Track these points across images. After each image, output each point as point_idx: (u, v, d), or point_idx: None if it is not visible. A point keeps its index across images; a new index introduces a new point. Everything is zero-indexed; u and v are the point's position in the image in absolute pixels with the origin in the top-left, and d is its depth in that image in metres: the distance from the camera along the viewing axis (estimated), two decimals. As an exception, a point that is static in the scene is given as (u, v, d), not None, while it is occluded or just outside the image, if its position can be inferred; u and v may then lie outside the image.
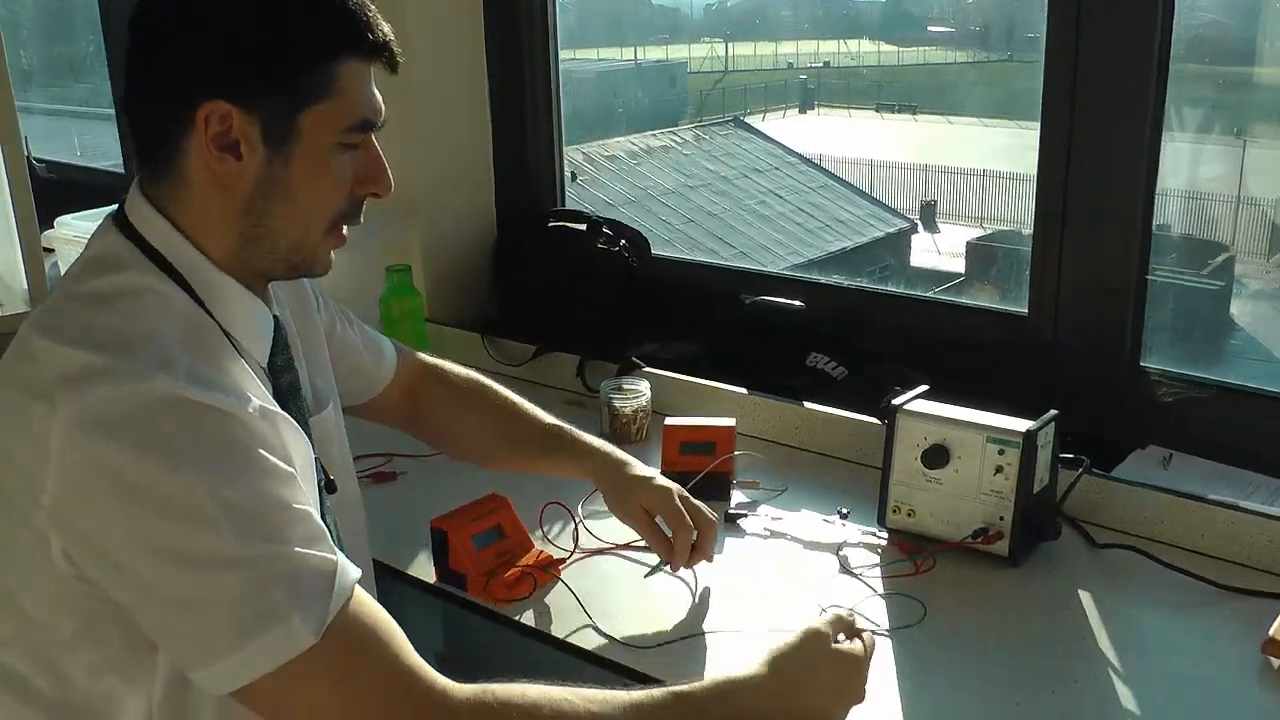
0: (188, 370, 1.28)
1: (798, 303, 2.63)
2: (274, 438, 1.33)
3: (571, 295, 2.86)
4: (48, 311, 1.38)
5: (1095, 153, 2.27)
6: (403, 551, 2.06)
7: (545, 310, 2.91)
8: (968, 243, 6.81)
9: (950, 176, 7.26)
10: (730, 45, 7.33)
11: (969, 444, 2.01)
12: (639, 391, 2.53)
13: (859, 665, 1.56)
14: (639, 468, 1.97)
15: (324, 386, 1.75)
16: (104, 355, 1.26)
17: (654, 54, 7.14)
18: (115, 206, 1.48)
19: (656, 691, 1.42)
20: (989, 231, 7.05)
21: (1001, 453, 1.97)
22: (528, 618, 1.88)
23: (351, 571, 1.31)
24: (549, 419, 2.05)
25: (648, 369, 2.64)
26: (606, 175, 5.44)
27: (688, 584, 1.96)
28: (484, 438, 2.07)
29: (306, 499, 1.32)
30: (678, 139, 6.46)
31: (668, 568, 1.92)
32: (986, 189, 7.19)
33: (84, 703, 1.35)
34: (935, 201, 7.33)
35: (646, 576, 1.95)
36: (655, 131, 6.35)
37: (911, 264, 6.80)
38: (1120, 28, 2.19)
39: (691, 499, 1.93)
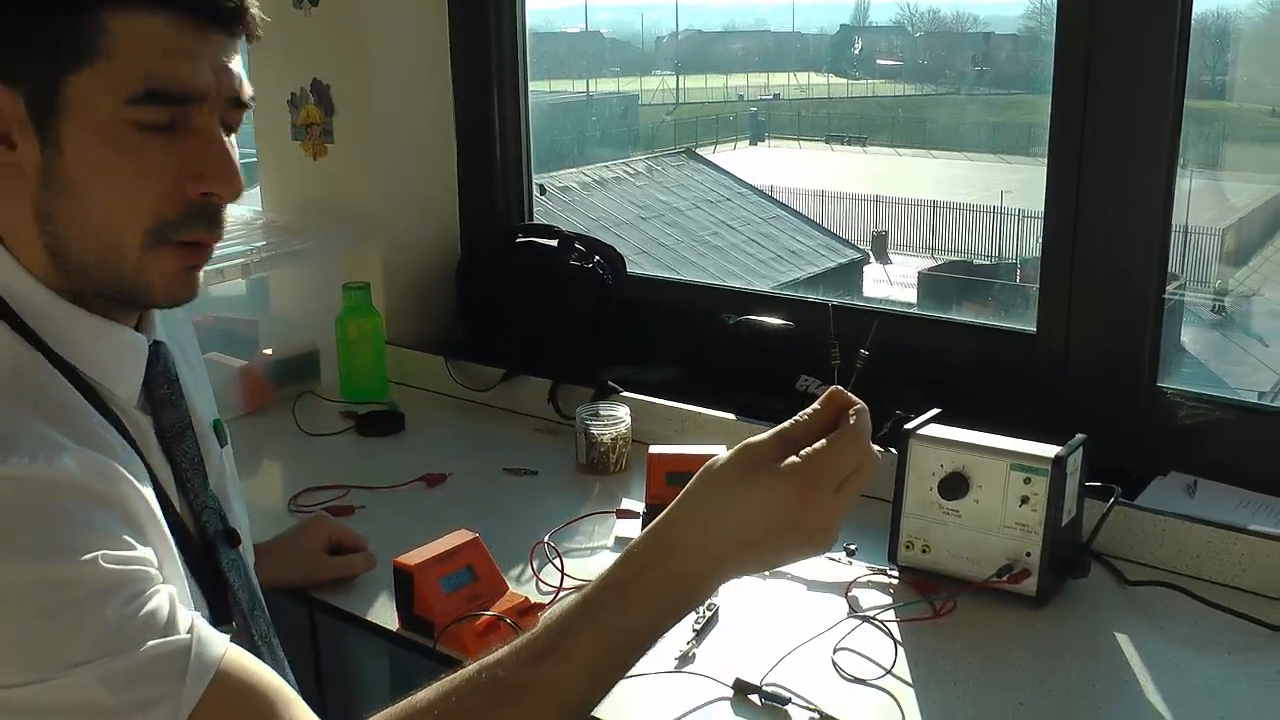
0: None
1: (787, 322, 2.37)
2: (103, 490, 1.03)
3: (542, 315, 2.58)
4: None
5: (1109, 167, 2.05)
6: (360, 595, 1.78)
7: (514, 331, 2.63)
8: (919, 273, 6.70)
9: (900, 207, 7.15)
10: (681, 78, 7.19)
11: (991, 472, 1.75)
12: (618, 418, 2.26)
13: (805, 490, 1.09)
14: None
15: (219, 426, 1.41)
16: None
17: (606, 86, 7.00)
18: None
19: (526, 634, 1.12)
20: (940, 262, 6.92)
21: (1028, 481, 1.72)
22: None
23: (212, 647, 1.02)
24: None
25: (626, 394, 2.36)
26: (559, 206, 5.26)
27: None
28: None
29: (149, 561, 1.03)
30: (630, 170, 6.34)
31: None
32: (937, 219, 7.07)
33: None
34: (886, 232, 7.20)
35: None
36: (608, 163, 6.23)
37: (864, 294, 6.66)
38: (1134, 34, 1.99)
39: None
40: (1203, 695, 1.54)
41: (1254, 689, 1.56)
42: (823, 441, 1.10)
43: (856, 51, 6.41)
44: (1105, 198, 2.06)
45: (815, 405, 1.13)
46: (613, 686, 1.12)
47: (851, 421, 1.12)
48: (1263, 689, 1.56)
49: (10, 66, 1.08)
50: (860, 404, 1.13)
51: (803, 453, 1.09)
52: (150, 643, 0.98)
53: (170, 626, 1.00)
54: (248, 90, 1.17)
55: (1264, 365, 3.75)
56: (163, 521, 1.10)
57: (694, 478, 1.13)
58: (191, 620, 1.02)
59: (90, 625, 0.96)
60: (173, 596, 1.02)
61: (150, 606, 1.00)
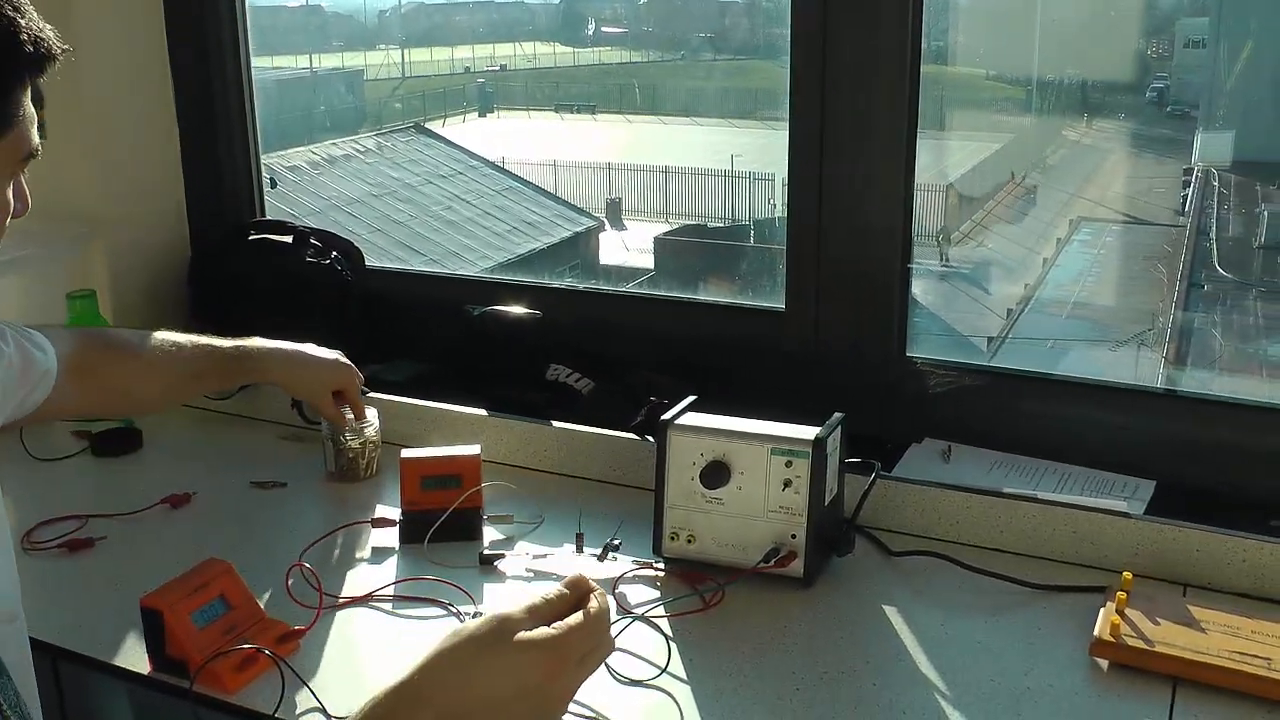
0: None
1: (534, 311, 2.32)
2: None
3: (280, 315, 2.44)
4: None
5: (850, 143, 2.07)
6: (108, 637, 1.65)
7: (251, 333, 2.50)
8: (655, 238, 6.73)
9: (633, 174, 7.16)
10: (407, 51, 7.05)
11: (751, 458, 1.74)
12: (366, 421, 2.17)
13: (554, 659, 1.10)
14: (316, 350, 2.06)
15: None
16: None
17: (329, 62, 6.82)
18: None
19: None
20: (676, 225, 6.97)
21: (789, 464, 1.72)
22: (264, 704, 1.49)
23: None
24: (227, 342, 2.00)
25: (373, 394, 2.27)
26: (289, 187, 5.11)
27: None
28: (158, 383, 1.94)
29: None
30: (359, 147, 6.19)
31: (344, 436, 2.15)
32: (670, 184, 7.11)
33: None
34: (620, 199, 7.21)
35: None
36: (336, 140, 6.07)
37: (601, 262, 6.66)
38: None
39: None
40: (971, 660, 1.57)
41: (1020, 646, 1.60)
42: (576, 615, 1.12)
43: (590, 33, 6.38)
44: (846, 176, 2.08)
45: (561, 589, 1.15)
46: None
47: (595, 605, 1.15)
48: (1028, 645, 1.60)
49: None
50: (602, 591, 1.16)
51: (555, 624, 1.11)
52: None
53: None
54: None
55: (991, 312, 3.88)
56: None
57: (444, 639, 1.10)
58: None
59: None
60: None
61: None
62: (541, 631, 1.10)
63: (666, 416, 1.81)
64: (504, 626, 1.10)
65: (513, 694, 1.08)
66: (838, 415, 1.78)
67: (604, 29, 7.05)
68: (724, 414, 1.81)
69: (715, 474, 1.75)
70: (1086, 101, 3.50)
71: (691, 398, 1.86)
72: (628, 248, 6.84)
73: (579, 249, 6.24)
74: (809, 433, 1.73)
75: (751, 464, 1.74)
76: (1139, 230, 3.78)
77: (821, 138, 2.07)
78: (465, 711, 1.07)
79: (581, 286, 2.46)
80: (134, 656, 1.61)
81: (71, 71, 2.47)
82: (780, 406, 1.80)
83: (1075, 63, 3.14)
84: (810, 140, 2.08)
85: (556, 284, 2.49)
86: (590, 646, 1.12)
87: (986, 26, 3.06)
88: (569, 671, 1.11)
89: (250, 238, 2.58)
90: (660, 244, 6.58)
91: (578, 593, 1.16)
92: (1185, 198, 3.49)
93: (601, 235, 6.71)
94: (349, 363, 2.10)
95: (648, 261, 6.69)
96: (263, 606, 1.66)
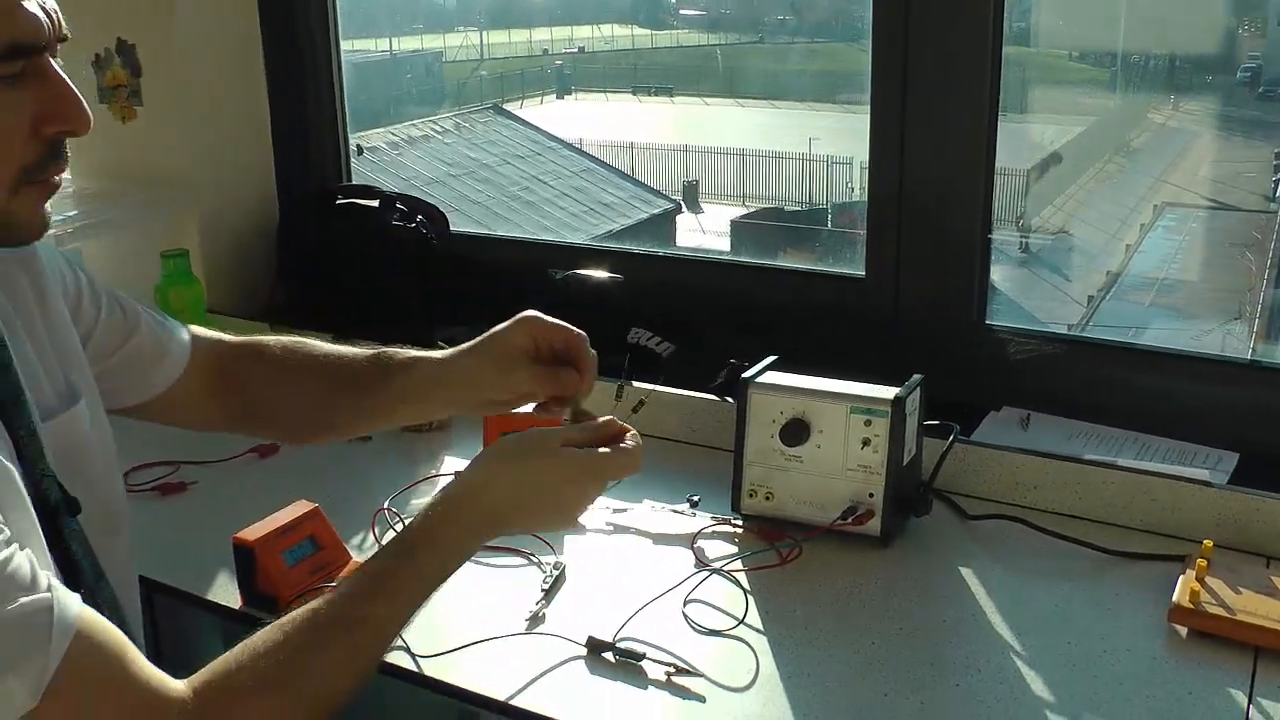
0: None
1: (616, 275, 2.35)
2: None
3: (366, 278, 2.51)
4: None
5: (932, 118, 2.08)
6: (200, 574, 1.71)
7: (338, 295, 2.55)
8: (732, 221, 6.73)
9: (710, 156, 7.16)
10: (485, 33, 7.09)
11: (831, 416, 1.76)
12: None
13: (583, 474, 1.32)
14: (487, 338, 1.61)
15: (71, 381, 1.34)
16: None
17: (409, 44, 6.88)
18: None
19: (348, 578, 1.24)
20: (752, 209, 6.96)
21: (868, 423, 1.73)
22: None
23: (70, 607, 1.02)
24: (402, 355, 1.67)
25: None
26: (368, 167, 5.17)
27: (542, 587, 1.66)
28: (325, 406, 1.61)
29: (3, 525, 1.02)
30: (438, 128, 6.23)
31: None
32: (747, 168, 7.10)
33: None
34: (697, 181, 7.22)
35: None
36: (415, 121, 6.12)
37: (678, 244, 6.67)
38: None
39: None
40: (1048, 623, 1.58)
41: (1096, 611, 1.60)
42: (613, 449, 1.32)
43: (669, 15, 6.38)
44: (928, 142, 2.08)
45: (598, 422, 1.37)
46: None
47: (631, 441, 1.34)
48: (1105, 610, 1.60)
49: None
50: (634, 431, 1.36)
51: (593, 449, 1.31)
52: (21, 600, 0.98)
53: (34, 584, 1.00)
54: (65, 25, 1.17)
55: (1071, 300, 3.86)
56: (20, 486, 1.09)
57: (492, 445, 1.34)
58: (49, 580, 1.02)
59: None
60: (31, 558, 1.02)
61: (14, 565, 0.99)
62: (577, 451, 1.30)
63: (748, 374, 1.83)
64: (544, 436, 1.31)
65: (545, 498, 1.30)
66: (917, 377, 1.80)
67: (682, 11, 7.07)
68: (805, 375, 1.83)
69: (795, 431, 1.77)
70: (1173, 83, 3.46)
71: (772, 357, 1.89)
72: (704, 230, 6.85)
73: (655, 231, 6.26)
74: (889, 392, 1.74)
75: (831, 422, 1.76)
76: (1226, 216, 3.73)
77: (903, 114, 2.08)
78: (506, 509, 1.28)
79: (663, 252, 2.48)
80: (224, 592, 1.67)
81: (172, 52, 2.56)
82: (859, 372, 1.81)
83: (1162, 42, 3.11)
84: (892, 116, 2.09)
85: (638, 249, 2.51)
86: (616, 474, 1.33)
87: (1071, 6, 3.05)
88: (589, 486, 1.32)
89: (337, 202, 2.63)
90: (737, 227, 6.57)
91: (611, 429, 1.35)
92: (1277, 183, 3.45)
93: (678, 218, 6.73)
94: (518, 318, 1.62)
95: (724, 244, 6.68)
96: (350, 550, 1.71)
